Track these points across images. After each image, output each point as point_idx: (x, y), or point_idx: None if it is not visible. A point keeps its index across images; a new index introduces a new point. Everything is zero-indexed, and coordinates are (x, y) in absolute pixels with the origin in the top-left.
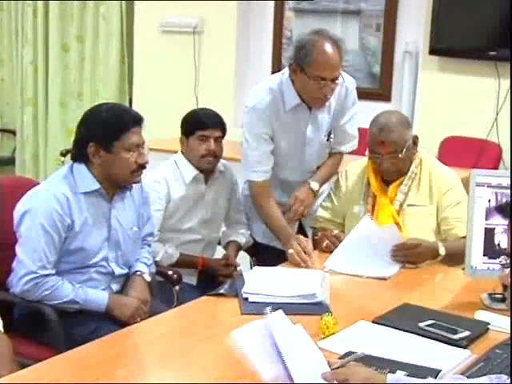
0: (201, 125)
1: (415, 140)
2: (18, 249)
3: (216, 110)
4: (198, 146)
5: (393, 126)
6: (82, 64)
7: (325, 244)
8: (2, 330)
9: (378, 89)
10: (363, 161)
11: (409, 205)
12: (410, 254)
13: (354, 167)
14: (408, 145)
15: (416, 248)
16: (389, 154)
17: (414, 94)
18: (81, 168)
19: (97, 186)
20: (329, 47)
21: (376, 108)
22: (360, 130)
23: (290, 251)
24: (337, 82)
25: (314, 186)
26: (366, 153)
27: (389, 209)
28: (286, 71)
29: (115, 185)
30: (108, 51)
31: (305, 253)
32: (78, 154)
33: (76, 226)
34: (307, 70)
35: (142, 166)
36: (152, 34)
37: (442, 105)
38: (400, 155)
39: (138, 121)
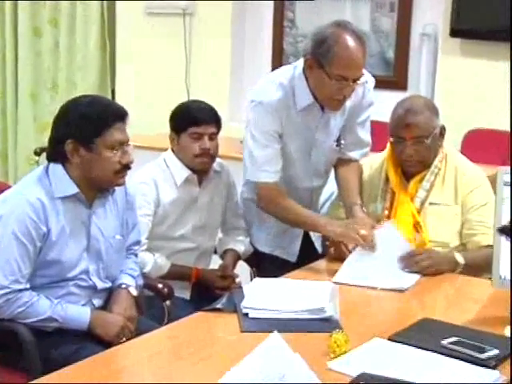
0: (194, 120)
1: (442, 131)
2: None
3: (210, 103)
4: (191, 144)
5: (420, 109)
6: (56, 51)
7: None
8: None
9: (392, 76)
10: (382, 154)
11: (431, 203)
12: (419, 265)
13: (372, 161)
14: (435, 133)
15: (426, 257)
16: (413, 139)
17: (433, 82)
18: (57, 169)
19: (75, 190)
20: (354, 44)
21: (391, 98)
22: (373, 122)
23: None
24: (358, 82)
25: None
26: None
27: (409, 207)
28: (298, 65)
29: (96, 188)
30: (86, 36)
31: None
32: (55, 152)
33: (52, 235)
34: (328, 67)
35: (127, 167)
36: (136, 17)
37: (464, 93)
38: (426, 141)
39: (121, 116)
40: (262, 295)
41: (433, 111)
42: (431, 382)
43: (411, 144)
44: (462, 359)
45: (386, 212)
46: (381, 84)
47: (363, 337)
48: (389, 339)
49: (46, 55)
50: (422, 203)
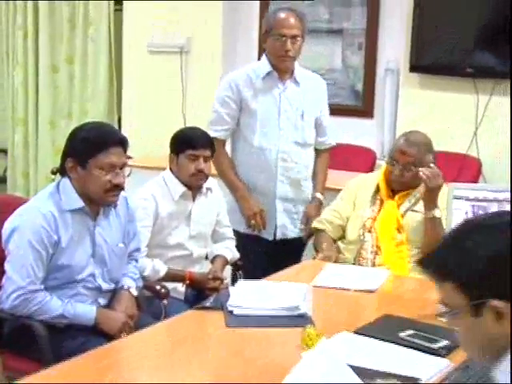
0: (191, 144)
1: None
2: (6, 265)
3: (203, 129)
4: (188, 165)
5: (418, 142)
6: (71, 84)
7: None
8: None
9: (360, 106)
10: (376, 173)
11: (413, 210)
12: None
13: (367, 176)
14: (423, 164)
15: None
16: (405, 165)
17: (395, 111)
18: (66, 184)
19: (81, 204)
20: (287, 12)
21: (359, 124)
22: (344, 145)
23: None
24: (296, 40)
25: (320, 196)
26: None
27: (394, 212)
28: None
29: (95, 203)
30: (97, 71)
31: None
32: (61, 168)
33: (62, 243)
34: (272, 31)
35: (118, 187)
36: (140, 55)
37: (422, 121)
38: (413, 169)
39: (120, 142)
40: (245, 295)
41: (428, 148)
42: (390, 369)
43: (402, 168)
44: (417, 349)
45: (374, 214)
46: (350, 112)
47: (333, 331)
48: (354, 332)
49: (63, 88)
50: (406, 211)
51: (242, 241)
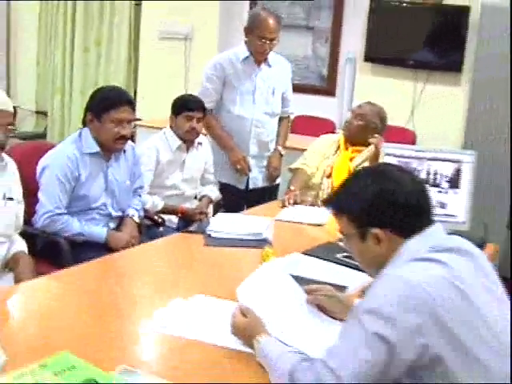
0: (188, 107)
1: (381, 133)
2: (39, 195)
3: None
4: (184, 123)
5: (373, 105)
6: (98, 62)
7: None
8: (27, 252)
9: (325, 87)
10: (337, 135)
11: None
12: None
13: (333, 135)
14: (375, 128)
15: None
16: (357, 115)
17: (352, 92)
18: (87, 133)
19: (97, 149)
20: (269, 16)
21: (324, 101)
22: (312, 118)
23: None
24: (273, 41)
25: (281, 149)
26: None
27: (347, 162)
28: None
29: (106, 149)
30: (119, 52)
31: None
32: (83, 120)
33: (82, 178)
34: (254, 31)
35: (124, 137)
36: (153, 40)
37: (373, 100)
38: (362, 122)
39: (128, 102)
40: (222, 223)
41: (379, 113)
42: (325, 279)
43: (354, 117)
44: (348, 267)
45: (332, 163)
46: (317, 91)
47: (286, 252)
48: (302, 253)
49: (92, 65)
50: (357, 166)
51: (222, 189)
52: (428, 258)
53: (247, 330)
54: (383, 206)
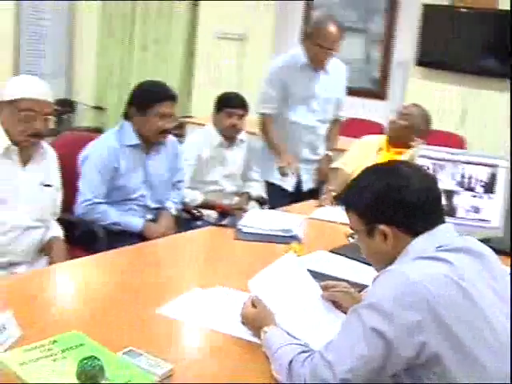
0: (229, 104)
1: (425, 136)
2: (80, 183)
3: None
4: (225, 120)
5: (418, 107)
6: (155, 60)
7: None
8: (63, 238)
9: (376, 90)
10: (381, 136)
11: None
12: None
13: (372, 137)
14: (419, 129)
15: None
16: (401, 115)
17: (403, 95)
18: (128, 126)
19: (137, 141)
20: (331, 25)
21: (374, 104)
22: (361, 121)
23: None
24: (332, 51)
25: (330, 153)
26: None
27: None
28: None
29: (147, 141)
30: (176, 51)
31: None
32: (126, 113)
33: (121, 170)
34: (315, 38)
35: (166, 131)
36: (209, 39)
37: (423, 103)
38: (404, 122)
39: (171, 97)
40: (253, 219)
41: (423, 115)
42: (343, 276)
43: (399, 117)
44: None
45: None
46: (368, 95)
47: (314, 249)
48: (329, 251)
49: (149, 63)
50: None
51: (269, 189)
52: (434, 257)
53: (256, 320)
54: (388, 203)
